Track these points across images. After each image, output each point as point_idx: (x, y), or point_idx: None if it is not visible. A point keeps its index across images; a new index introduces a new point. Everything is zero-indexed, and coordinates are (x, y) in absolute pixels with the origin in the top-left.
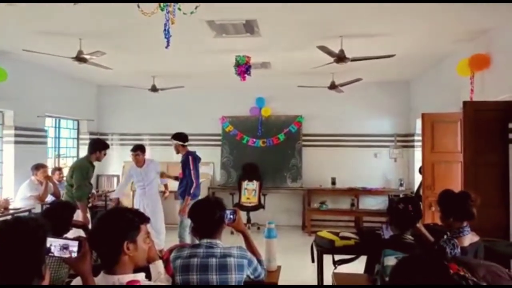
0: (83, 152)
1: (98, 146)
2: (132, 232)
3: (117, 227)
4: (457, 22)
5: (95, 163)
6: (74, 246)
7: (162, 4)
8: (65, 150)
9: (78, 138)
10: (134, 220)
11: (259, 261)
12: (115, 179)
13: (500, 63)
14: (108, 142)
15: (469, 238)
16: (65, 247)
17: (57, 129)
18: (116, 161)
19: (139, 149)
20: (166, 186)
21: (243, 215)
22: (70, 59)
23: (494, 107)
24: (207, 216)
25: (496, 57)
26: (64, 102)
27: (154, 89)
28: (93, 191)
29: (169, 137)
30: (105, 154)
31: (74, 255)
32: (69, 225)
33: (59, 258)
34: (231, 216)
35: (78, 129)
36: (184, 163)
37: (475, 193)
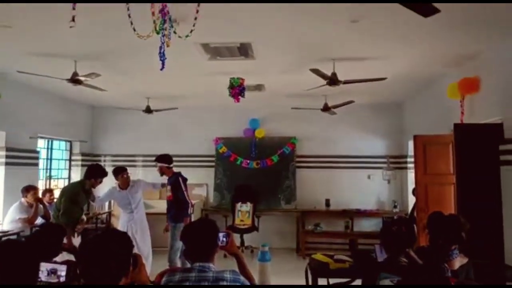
0: (75, 173)
1: (95, 173)
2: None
3: (125, 249)
4: (447, 46)
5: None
6: (62, 271)
7: (157, 28)
8: (56, 172)
9: (70, 160)
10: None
11: (253, 285)
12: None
13: (489, 86)
14: (101, 163)
15: (459, 260)
16: (53, 272)
17: (49, 150)
18: (108, 183)
19: (125, 170)
20: (163, 184)
21: (236, 237)
22: (65, 81)
23: (484, 129)
24: (199, 239)
25: (485, 80)
26: (57, 123)
27: (148, 110)
28: (83, 217)
29: None
30: (100, 182)
31: (63, 279)
32: (58, 248)
33: (47, 283)
34: (224, 239)
35: (70, 150)
36: (174, 185)
37: (464, 217)
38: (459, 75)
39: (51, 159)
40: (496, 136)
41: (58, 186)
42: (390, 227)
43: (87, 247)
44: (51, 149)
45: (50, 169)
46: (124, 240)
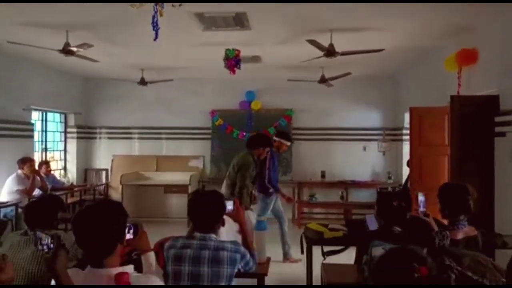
0: (71, 145)
1: (263, 142)
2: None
3: (118, 218)
4: (445, 18)
5: None
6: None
7: None
8: (52, 144)
9: (65, 132)
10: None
11: (252, 255)
12: (104, 173)
13: (486, 58)
14: (96, 135)
15: (465, 232)
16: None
17: (43, 122)
18: (104, 154)
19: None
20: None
21: None
22: (57, 52)
23: (480, 101)
24: (205, 211)
25: (482, 52)
26: (50, 94)
27: (143, 82)
28: (252, 190)
29: (159, 131)
30: (268, 152)
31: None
32: (55, 219)
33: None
34: (230, 207)
35: (65, 122)
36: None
37: (472, 187)
38: (455, 47)
39: (46, 131)
40: (492, 108)
41: (54, 158)
42: (390, 200)
43: (80, 217)
44: (46, 121)
45: (46, 141)
46: (116, 209)
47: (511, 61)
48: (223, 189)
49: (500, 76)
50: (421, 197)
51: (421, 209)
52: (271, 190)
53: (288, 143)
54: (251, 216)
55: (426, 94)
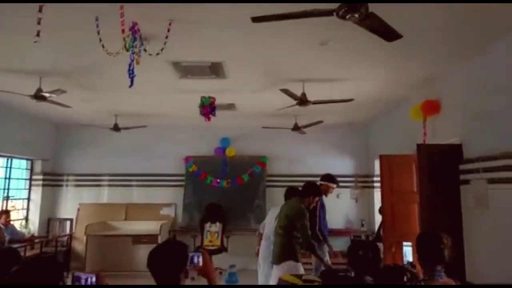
0: (35, 193)
1: (315, 191)
2: None
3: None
4: (410, 70)
5: None
6: None
7: (127, 45)
8: (15, 192)
9: (30, 179)
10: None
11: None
12: (68, 223)
13: (449, 108)
14: (63, 183)
15: (442, 282)
16: None
17: (8, 169)
18: (70, 203)
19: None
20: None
21: None
22: (28, 97)
23: (445, 149)
24: (164, 264)
25: (445, 103)
26: (18, 140)
27: (116, 128)
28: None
29: (130, 177)
30: (317, 201)
31: None
32: (6, 274)
33: None
34: (197, 260)
35: (31, 169)
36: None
37: (446, 235)
38: (421, 97)
39: (9, 178)
40: (456, 156)
41: (16, 207)
42: (357, 250)
43: (15, 276)
44: (11, 168)
45: (8, 189)
46: (54, 266)
47: (471, 110)
48: (275, 247)
49: (462, 125)
50: (406, 247)
51: (406, 258)
52: (321, 238)
53: (334, 185)
54: (300, 269)
55: (395, 142)
